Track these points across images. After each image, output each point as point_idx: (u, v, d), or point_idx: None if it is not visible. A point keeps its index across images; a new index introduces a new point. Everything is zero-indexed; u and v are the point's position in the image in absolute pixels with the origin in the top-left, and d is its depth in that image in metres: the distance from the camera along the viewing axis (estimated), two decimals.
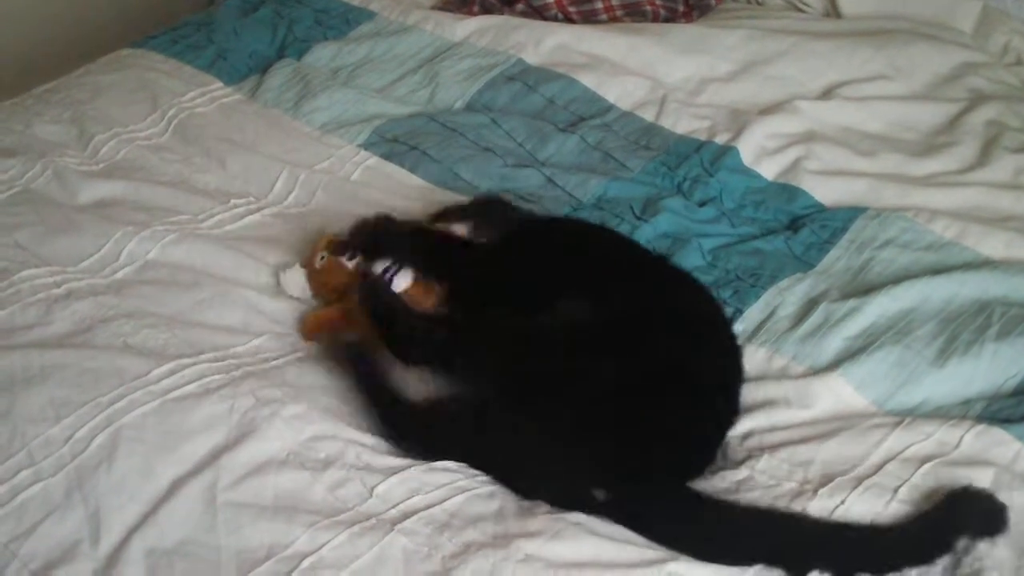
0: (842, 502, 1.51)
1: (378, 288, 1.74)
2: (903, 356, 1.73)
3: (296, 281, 1.86)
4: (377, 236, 1.82)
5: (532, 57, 2.57)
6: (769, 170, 2.21)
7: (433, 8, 2.89)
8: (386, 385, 1.66)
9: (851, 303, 1.83)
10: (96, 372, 1.66)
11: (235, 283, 1.90)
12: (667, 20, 2.83)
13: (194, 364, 1.70)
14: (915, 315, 1.81)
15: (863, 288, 1.88)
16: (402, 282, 1.76)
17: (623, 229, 2.02)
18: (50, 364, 1.67)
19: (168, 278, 1.90)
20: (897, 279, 1.88)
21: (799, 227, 2.03)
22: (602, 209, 2.09)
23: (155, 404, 1.61)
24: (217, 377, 1.67)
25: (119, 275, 1.91)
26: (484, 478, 1.55)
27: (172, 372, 1.67)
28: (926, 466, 1.54)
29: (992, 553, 1.45)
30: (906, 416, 1.65)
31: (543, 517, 1.49)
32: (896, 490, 1.52)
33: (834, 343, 1.78)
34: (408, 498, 1.50)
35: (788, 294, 1.88)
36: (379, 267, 1.77)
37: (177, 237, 1.98)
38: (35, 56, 3.23)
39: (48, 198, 2.10)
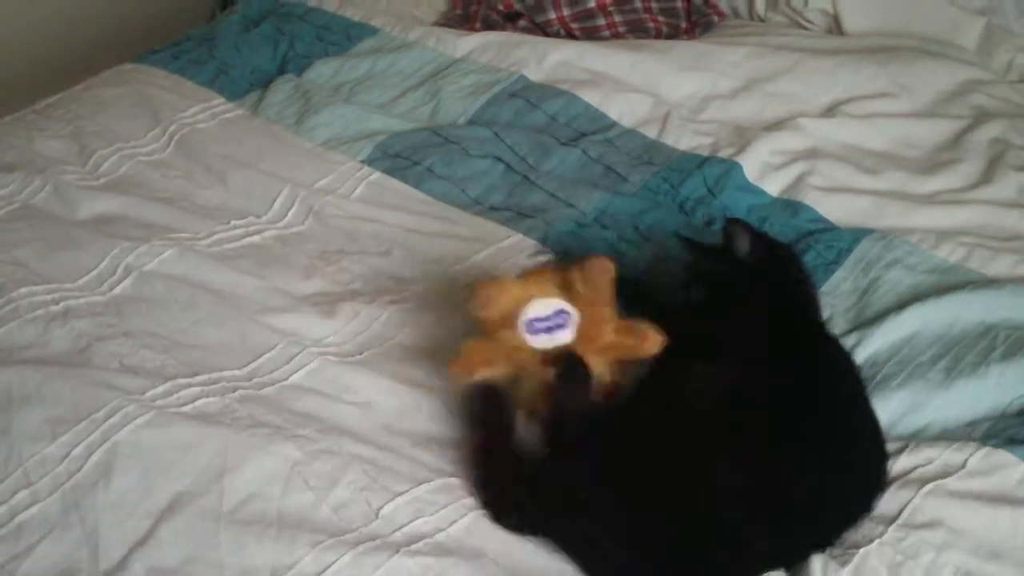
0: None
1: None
2: (908, 382, 1.73)
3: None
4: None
5: (534, 74, 2.56)
6: (773, 186, 2.20)
7: (435, 24, 2.89)
8: (503, 442, 1.58)
9: (854, 337, 1.82)
10: (93, 390, 1.65)
11: (233, 302, 1.89)
12: (669, 37, 2.83)
13: (190, 386, 1.69)
14: (918, 339, 1.81)
15: (868, 311, 1.88)
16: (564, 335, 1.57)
17: (625, 248, 2.03)
18: (47, 382, 1.66)
19: (166, 295, 1.89)
20: (902, 301, 1.88)
21: (805, 249, 2.01)
22: (605, 227, 2.08)
23: (150, 417, 1.60)
24: (214, 399, 1.66)
25: (116, 291, 1.90)
26: None
27: (168, 393, 1.66)
28: (928, 486, 1.55)
29: (997, 573, 1.45)
30: (911, 439, 1.65)
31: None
32: (900, 512, 1.52)
33: None
34: (413, 520, 1.49)
35: None
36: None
37: (175, 253, 1.97)
38: (36, 71, 3.23)
39: (48, 214, 2.09)
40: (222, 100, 2.51)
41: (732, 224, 1.79)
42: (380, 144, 2.33)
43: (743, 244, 1.77)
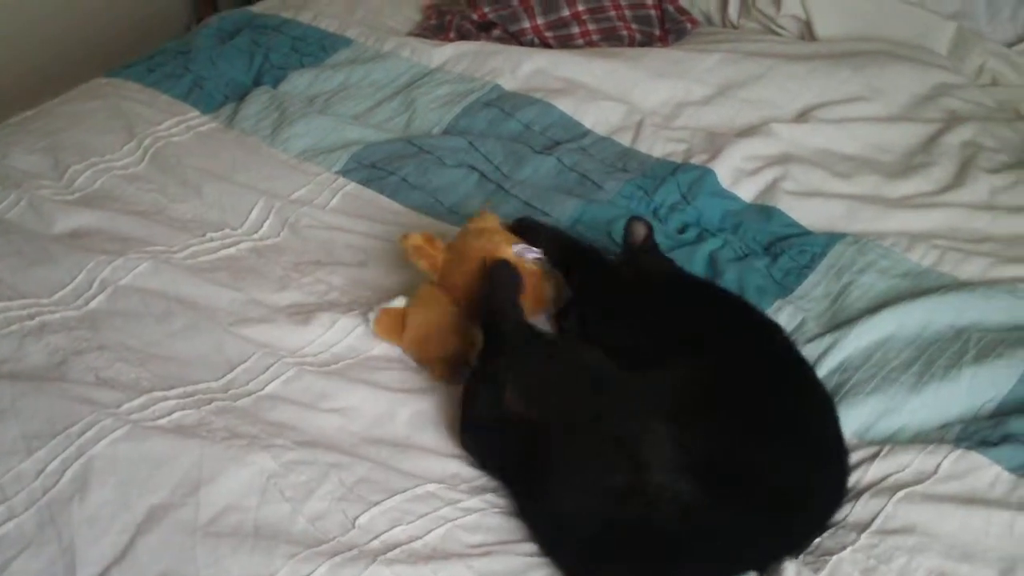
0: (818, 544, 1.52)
1: (507, 271, 1.77)
2: (881, 386, 1.74)
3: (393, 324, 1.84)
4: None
5: (509, 83, 2.57)
6: (746, 192, 2.21)
7: (409, 35, 2.89)
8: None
9: (827, 339, 1.83)
10: (68, 405, 1.65)
11: (208, 314, 1.89)
12: (643, 44, 2.84)
13: (166, 399, 1.69)
14: (891, 343, 1.81)
15: (841, 315, 1.89)
16: (531, 255, 1.83)
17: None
18: (22, 397, 1.67)
19: (141, 308, 1.89)
20: (875, 305, 1.88)
21: (778, 253, 2.03)
22: (580, 234, 2.08)
23: (125, 430, 1.60)
24: (190, 412, 1.66)
25: (92, 305, 1.90)
26: (466, 506, 1.55)
27: (144, 406, 1.66)
28: (901, 493, 1.55)
29: (971, 574, 1.46)
30: (885, 444, 1.65)
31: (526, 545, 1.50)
32: (872, 520, 1.53)
33: None
34: (390, 529, 1.50)
35: None
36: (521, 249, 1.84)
37: (151, 266, 1.97)
38: (10, 86, 3.23)
39: (23, 229, 2.09)
40: (197, 113, 2.52)
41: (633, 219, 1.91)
42: (355, 155, 2.34)
43: (639, 234, 1.89)
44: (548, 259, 1.86)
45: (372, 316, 1.84)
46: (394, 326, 1.83)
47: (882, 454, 1.62)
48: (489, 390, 1.65)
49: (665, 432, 1.49)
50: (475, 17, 2.88)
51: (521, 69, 2.61)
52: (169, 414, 1.65)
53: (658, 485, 1.45)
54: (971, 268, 1.98)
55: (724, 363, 1.62)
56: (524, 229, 1.91)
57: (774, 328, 1.80)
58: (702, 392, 1.55)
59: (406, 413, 1.71)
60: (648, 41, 2.86)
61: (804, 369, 1.73)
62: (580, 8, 2.85)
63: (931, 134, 2.40)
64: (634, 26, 2.85)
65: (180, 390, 1.71)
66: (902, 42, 2.71)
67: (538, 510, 1.52)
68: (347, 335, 1.86)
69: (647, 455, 1.47)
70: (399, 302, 1.85)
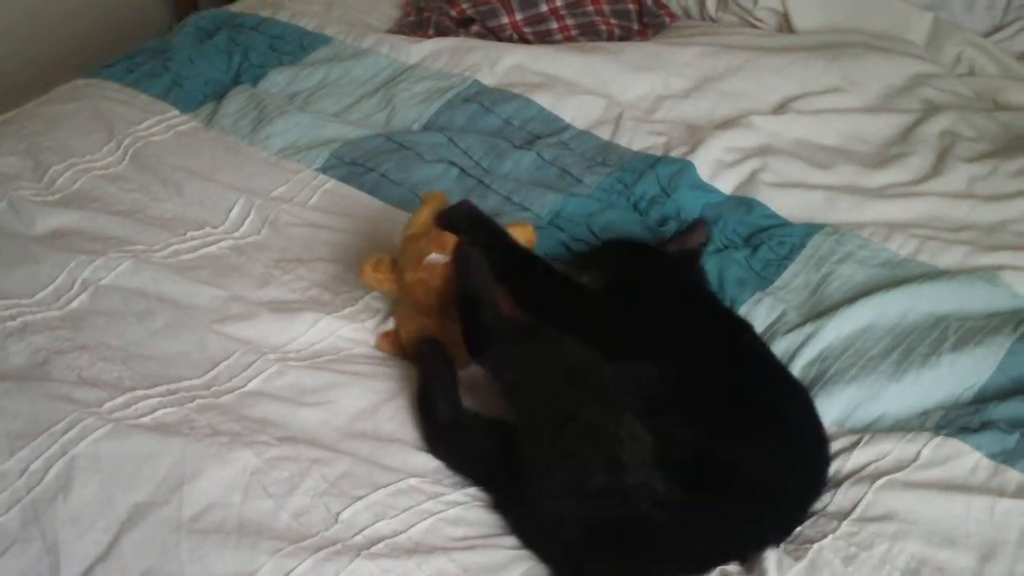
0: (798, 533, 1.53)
1: (478, 263, 1.71)
2: (860, 374, 1.75)
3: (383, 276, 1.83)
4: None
5: (488, 78, 2.58)
6: (726, 184, 2.22)
7: (388, 32, 2.90)
8: (444, 389, 1.67)
9: (807, 328, 1.83)
10: (51, 404, 1.65)
11: (190, 312, 1.89)
12: (622, 39, 2.85)
13: (148, 397, 1.69)
14: (870, 332, 1.83)
15: (821, 305, 1.90)
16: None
17: (578, 248, 2.05)
18: (5, 397, 1.66)
19: (123, 307, 1.89)
20: (854, 295, 1.90)
21: (758, 245, 2.03)
22: (560, 228, 2.09)
23: (108, 429, 1.59)
24: (173, 409, 1.66)
25: (74, 304, 1.89)
26: (449, 499, 1.55)
27: (127, 404, 1.66)
28: (881, 480, 1.56)
29: (953, 561, 1.47)
30: (865, 432, 1.66)
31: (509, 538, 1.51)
32: (853, 508, 1.54)
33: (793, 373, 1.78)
34: (373, 523, 1.50)
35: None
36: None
37: (132, 265, 1.96)
38: None
39: (3, 230, 2.09)
40: (176, 112, 2.51)
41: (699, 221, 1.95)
42: (335, 152, 2.34)
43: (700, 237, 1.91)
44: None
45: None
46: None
47: (862, 442, 1.63)
48: (445, 395, 1.67)
49: (640, 428, 1.48)
50: (453, 13, 2.89)
51: (500, 64, 2.62)
52: (152, 412, 1.65)
53: (634, 485, 1.44)
54: (950, 257, 1.99)
55: (697, 358, 1.62)
56: (455, 224, 1.79)
57: (745, 326, 1.81)
58: (676, 387, 1.55)
59: (388, 408, 1.71)
60: (627, 35, 2.87)
61: (776, 363, 1.74)
62: (558, 3, 2.85)
63: (909, 124, 2.42)
64: (612, 20, 2.86)
65: (162, 388, 1.71)
66: (879, 33, 2.73)
67: (519, 511, 1.52)
68: (330, 332, 1.86)
69: (623, 454, 1.46)
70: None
